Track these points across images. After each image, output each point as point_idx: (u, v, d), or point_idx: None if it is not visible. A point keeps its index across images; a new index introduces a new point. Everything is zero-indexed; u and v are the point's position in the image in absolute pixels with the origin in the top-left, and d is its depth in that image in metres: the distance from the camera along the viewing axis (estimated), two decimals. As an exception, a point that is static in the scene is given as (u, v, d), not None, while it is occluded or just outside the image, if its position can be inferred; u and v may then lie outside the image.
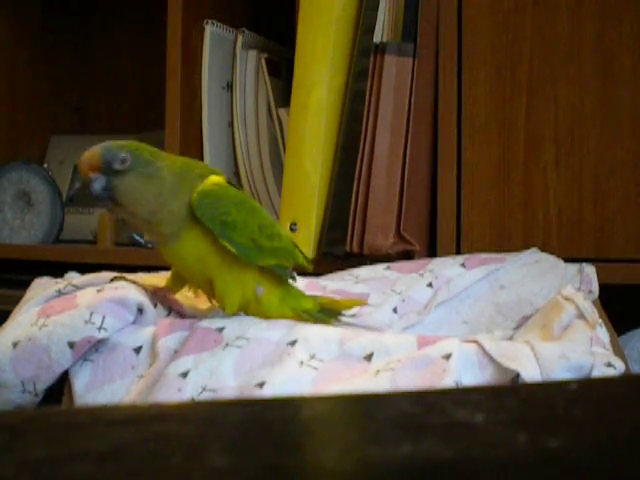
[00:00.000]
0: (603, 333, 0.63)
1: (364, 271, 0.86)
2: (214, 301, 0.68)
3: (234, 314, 0.67)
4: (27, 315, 0.66)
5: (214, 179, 0.65)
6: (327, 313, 0.71)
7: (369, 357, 0.59)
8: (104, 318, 0.63)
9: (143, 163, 0.63)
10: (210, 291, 0.67)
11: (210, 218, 0.63)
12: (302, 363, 0.59)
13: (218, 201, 0.64)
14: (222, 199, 0.65)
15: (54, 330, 0.62)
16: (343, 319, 0.73)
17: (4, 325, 0.67)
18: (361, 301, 0.75)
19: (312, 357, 0.60)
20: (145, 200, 0.62)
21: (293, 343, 0.61)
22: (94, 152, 0.62)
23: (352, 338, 0.61)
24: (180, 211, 0.64)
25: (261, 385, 0.57)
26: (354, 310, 0.74)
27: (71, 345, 0.62)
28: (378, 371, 0.57)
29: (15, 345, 0.63)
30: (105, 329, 0.63)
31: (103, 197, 0.62)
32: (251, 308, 0.67)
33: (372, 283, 0.82)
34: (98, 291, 0.66)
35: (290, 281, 0.70)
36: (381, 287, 0.81)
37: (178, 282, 0.70)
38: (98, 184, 0.61)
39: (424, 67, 0.97)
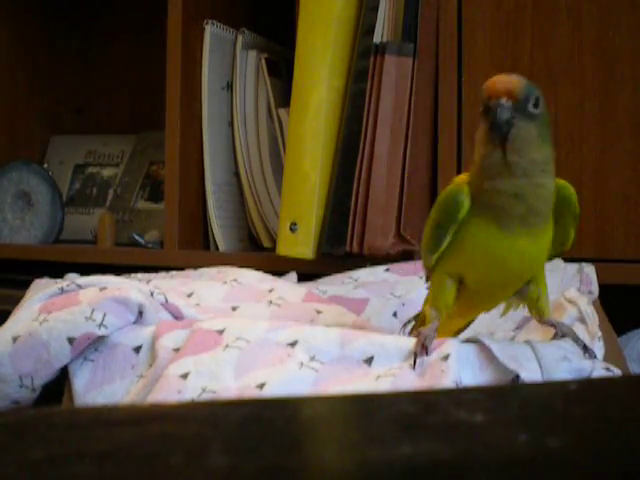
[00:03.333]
0: (599, 347, 0.62)
1: (363, 274, 0.85)
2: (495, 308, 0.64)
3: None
4: (29, 311, 0.66)
5: None
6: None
7: (369, 360, 0.59)
8: (105, 316, 0.63)
9: (546, 118, 0.56)
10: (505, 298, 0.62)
11: (578, 215, 0.59)
12: (302, 364, 0.59)
13: None
14: None
15: (54, 325, 0.63)
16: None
17: (5, 323, 0.67)
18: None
19: (312, 359, 0.59)
20: (536, 157, 0.55)
21: (293, 344, 0.61)
22: (517, 80, 0.55)
23: (352, 340, 0.60)
24: (551, 193, 0.57)
25: (261, 386, 0.57)
26: None
27: (70, 341, 0.62)
28: (379, 376, 0.57)
29: (15, 340, 0.63)
30: (105, 326, 0.63)
31: (500, 130, 0.54)
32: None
33: (372, 287, 0.81)
34: (101, 290, 0.66)
35: None
36: (381, 291, 0.80)
37: (450, 305, 0.60)
38: (505, 113, 0.53)
39: (424, 67, 0.97)
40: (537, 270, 0.60)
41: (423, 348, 0.57)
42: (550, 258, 0.61)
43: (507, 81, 0.54)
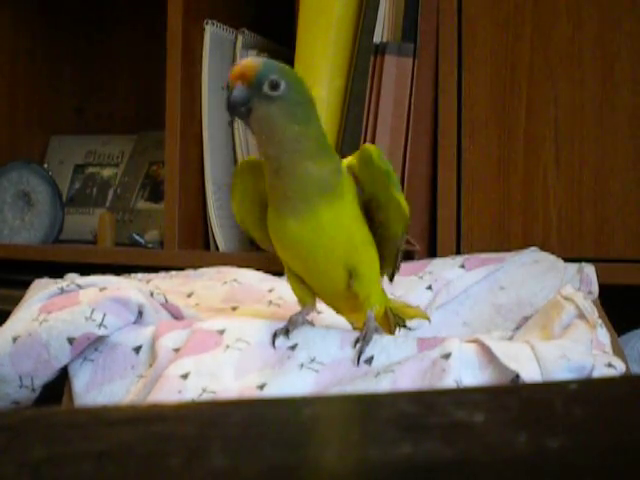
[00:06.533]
0: (603, 334, 0.63)
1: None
2: (348, 314, 0.65)
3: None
4: (29, 311, 0.66)
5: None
6: (396, 318, 0.68)
7: (369, 360, 0.59)
8: (105, 316, 0.63)
9: (295, 99, 0.55)
10: (344, 294, 0.61)
11: (390, 170, 0.57)
12: (302, 366, 0.59)
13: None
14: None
15: (54, 325, 0.63)
16: (402, 329, 0.70)
17: (5, 323, 0.67)
18: (424, 314, 0.71)
19: (312, 360, 0.59)
20: (282, 139, 0.55)
21: (294, 347, 0.61)
22: (252, 63, 0.56)
23: (352, 341, 0.60)
24: (322, 172, 0.56)
25: (261, 387, 0.57)
26: (414, 322, 0.71)
27: (70, 341, 0.62)
28: (378, 373, 0.57)
29: (15, 340, 0.63)
30: (105, 326, 0.63)
31: (238, 112, 0.55)
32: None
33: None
34: (101, 290, 0.66)
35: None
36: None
37: (307, 293, 0.63)
38: (238, 95, 0.54)
39: (424, 67, 0.97)
40: (347, 256, 0.58)
41: (284, 330, 0.60)
42: (392, 248, 0.61)
43: (243, 65, 0.56)
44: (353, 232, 0.58)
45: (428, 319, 0.71)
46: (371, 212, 0.60)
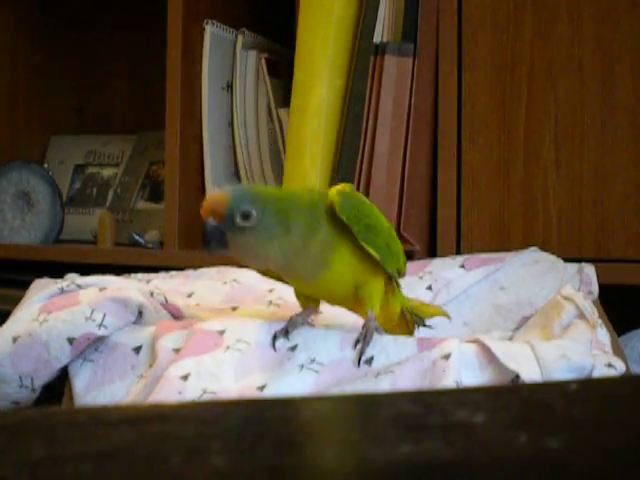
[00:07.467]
0: (603, 334, 0.63)
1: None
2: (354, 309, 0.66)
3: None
4: (29, 311, 0.66)
5: (341, 186, 0.61)
6: (415, 317, 0.69)
7: (370, 361, 0.59)
8: (105, 316, 0.63)
9: (271, 221, 0.57)
10: (352, 300, 0.63)
11: (356, 221, 0.59)
12: (302, 367, 0.59)
13: (358, 203, 0.60)
14: (361, 201, 0.61)
15: (54, 325, 0.63)
16: (421, 328, 0.70)
17: (5, 323, 0.67)
18: (444, 312, 0.72)
19: (312, 361, 0.59)
20: (267, 258, 0.59)
21: (294, 348, 0.61)
22: (221, 197, 0.57)
23: (352, 342, 0.60)
24: (318, 250, 0.59)
25: (262, 388, 0.57)
26: (435, 319, 0.72)
27: (70, 341, 0.62)
28: (378, 374, 0.57)
29: (15, 340, 0.63)
30: (105, 327, 0.63)
31: (215, 248, 0.58)
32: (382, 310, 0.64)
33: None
34: (101, 290, 0.66)
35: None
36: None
37: (309, 302, 0.65)
38: (212, 232, 0.57)
39: (424, 67, 0.97)
40: (356, 284, 0.61)
41: (284, 332, 0.61)
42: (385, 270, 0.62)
43: (212, 201, 0.57)
44: (358, 270, 0.61)
45: (448, 317, 0.72)
46: None
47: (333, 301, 0.65)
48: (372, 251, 0.59)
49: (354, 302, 0.63)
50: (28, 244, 1.29)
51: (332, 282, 0.61)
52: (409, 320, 0.68)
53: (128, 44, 1.54)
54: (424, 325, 0.70)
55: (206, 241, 0.57)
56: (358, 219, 0.59)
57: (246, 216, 0.56)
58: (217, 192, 0.58)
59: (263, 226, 0.57)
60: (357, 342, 0.60)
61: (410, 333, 0.68)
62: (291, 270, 0.60)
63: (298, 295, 0.65)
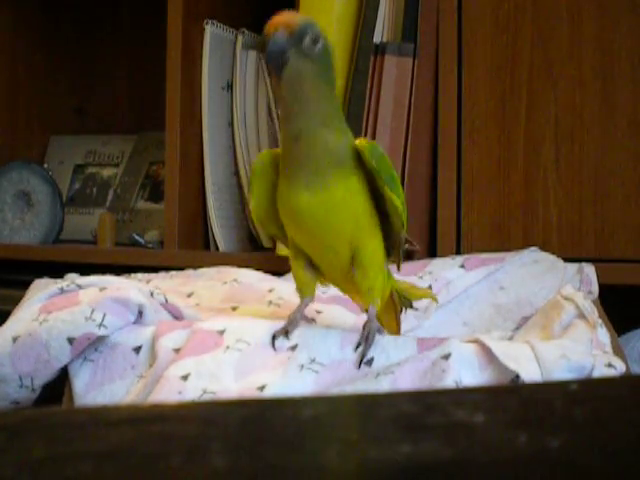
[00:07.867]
0: (603, 333, 0.63)
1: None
2: (352, 294, 0.64)
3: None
4: (29, 311, 0.66)
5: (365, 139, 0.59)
6: (403, 299, 0.68)
7: (370, 361, 0.59)
8: (105, 316, 0.63)
9: (329, 63, 0.55)
10: (346, 275, 0.60)
11: (384, 168, 0.57)
12: (302, 367, 0.59)
13: (384, 155, 0.58)
14: (385, 155, 0.59)
15: (54, 325, 0.63)
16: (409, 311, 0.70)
17: (5, 323, 0.67)
18: (431, 294, 0.71)
19: (312, 361, 0.59)
20: (310, 97, 0.55)
21: (294, 347, 0.61)
22: (296, 15, 0.55)
23: (352, 342, 0.61)
24: (339, 144, 0.56)
25: (262, 388, 0.57)
26: (424, 302, 0.71)
27: (70, 341, 0.62)
28: (378, 374, 0.57)
29: (15, 340, 0.63)
30: (105, 327, 0.63)
31: (275, 62, 0.54)
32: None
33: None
34: (101, 290, 0.66)
35: None
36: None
37: (308, 282, 0.62)
38: (279, 42, 0.53)
39: (424, 67, 0.97)
40: (353, 234, 0.58)
41: (283, 331, 0.60)
42: (391, 238, 0.61)
43: (285, 15, 0.54)
44: (360, 210, 0.58)
45: (435, 300, 0.72)
46: (377, 198, 0.60)
47: (327, 253, 0.60)
48: (395, 198, 0.58)
49: (348, 276, 0.61)
50: (28, 244, 1.29)
51: (330, 211, 0.57)
52: (397, 302, 0.67)
53: (128, 44, 1.54)
54: (411, 307, 0.69)
55: (269, 52, 0.54)
56: (387, 167, 0.58)
57: (315, 40, 0.54)
58: (288, 12, 0.56)
59: (322, 61, 0.55)
60: (359, 343, 0.60)
61: (396, 315, 0.68)
62: (308, 146, 0.56)
63: (298, 273, 0.61)
